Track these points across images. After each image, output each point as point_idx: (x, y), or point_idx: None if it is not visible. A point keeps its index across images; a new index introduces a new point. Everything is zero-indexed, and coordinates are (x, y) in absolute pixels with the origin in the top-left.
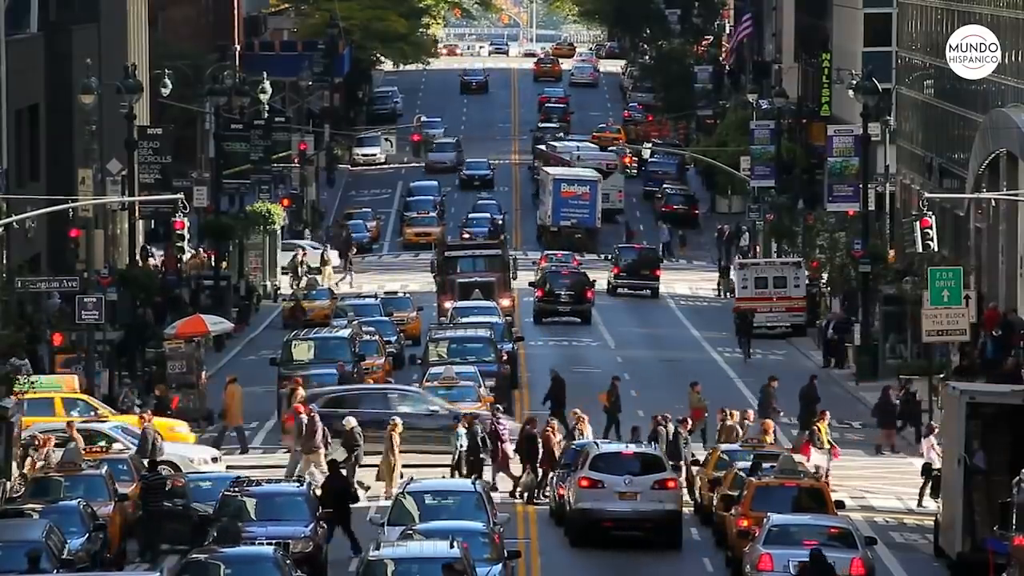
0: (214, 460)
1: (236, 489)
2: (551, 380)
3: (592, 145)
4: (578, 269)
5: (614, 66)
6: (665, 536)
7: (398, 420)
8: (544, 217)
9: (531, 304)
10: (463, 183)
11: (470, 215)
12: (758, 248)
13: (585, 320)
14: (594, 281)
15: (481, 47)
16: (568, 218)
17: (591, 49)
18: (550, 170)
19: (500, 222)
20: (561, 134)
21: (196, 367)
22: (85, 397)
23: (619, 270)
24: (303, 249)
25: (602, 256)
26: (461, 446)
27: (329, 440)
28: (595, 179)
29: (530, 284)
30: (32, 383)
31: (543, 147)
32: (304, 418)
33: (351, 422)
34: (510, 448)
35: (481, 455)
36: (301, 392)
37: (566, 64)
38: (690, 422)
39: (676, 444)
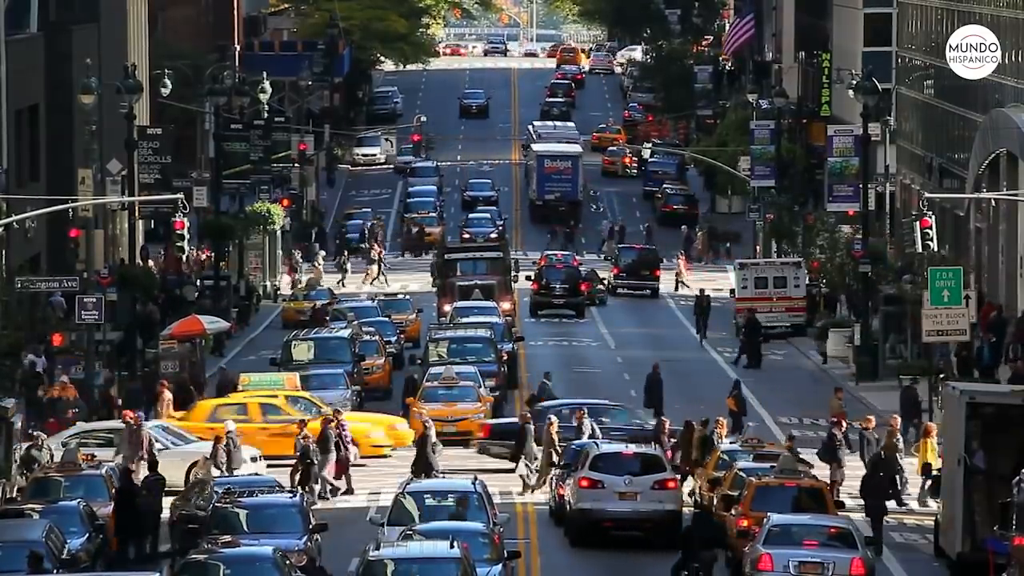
0: (253, 460)
1: (228, 500)
2: (647, 379)
3: (570, 125)
4: (576, 266)
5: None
6: (665, 536)
7: (554, 418)
8: (531, 192)
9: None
10: (465, 205)
11: (470, 216)
12: (696, 248)
13: (579, 313)
14: (603, 279)
15: (474, 47)
16: (552, 192)
17: (601, 44)
18: (536, 147)
19: (501, 225)
20: (566, 108)
21: (191, 367)
22: (307, 395)
23: (619, 270)
24: (377, 246)
25: (602, 256)
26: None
27: (153, 450)
28: (577, 154)
29: (526, 278)
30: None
31: (530, 127)
32: (133, 425)
33: (229, 425)
34: (353, 453)
35: (312, 461)
36: (168, 395)
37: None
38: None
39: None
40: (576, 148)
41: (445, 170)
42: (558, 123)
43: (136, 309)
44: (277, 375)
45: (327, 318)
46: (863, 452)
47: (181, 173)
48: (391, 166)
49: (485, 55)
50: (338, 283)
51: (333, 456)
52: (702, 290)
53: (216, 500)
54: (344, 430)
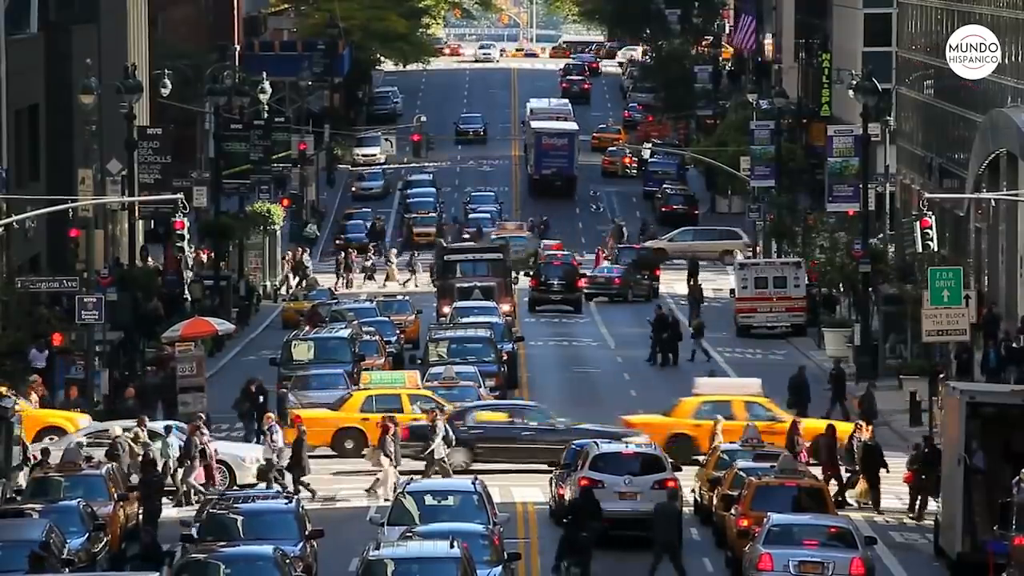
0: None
1: (223, 506)
2: (791, 380)
3: (564, 102)
4: (574, 264)
5: (614, 66)
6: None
7: (721, 417)
8: (529, 167)
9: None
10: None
11: (470, 215)
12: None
13: (576, 309)
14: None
15: (465, 47)
16: (549, 167)
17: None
18: (534, 124)
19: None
20: (587, 88)
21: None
22: (428, 392)
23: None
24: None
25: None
26: (170, 455)
27: (30, 458)
28: (573, 131)
29: (524, 274)
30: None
31: (527, 104)
32: None
33: (116, 430)
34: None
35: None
36: (35, 396)
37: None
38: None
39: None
40: (572, 125)
41: (445, 170)
42: (553, 100)
43: (139, 307)
44: (397, 373)
45: (325, 319)
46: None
47: (181, 173)
48: (395, 165)
49: (476, 62)
50: (405, 283)
51: (198, 462)
52: (694, 280)
53: (212, 506)
54: (206, 436)
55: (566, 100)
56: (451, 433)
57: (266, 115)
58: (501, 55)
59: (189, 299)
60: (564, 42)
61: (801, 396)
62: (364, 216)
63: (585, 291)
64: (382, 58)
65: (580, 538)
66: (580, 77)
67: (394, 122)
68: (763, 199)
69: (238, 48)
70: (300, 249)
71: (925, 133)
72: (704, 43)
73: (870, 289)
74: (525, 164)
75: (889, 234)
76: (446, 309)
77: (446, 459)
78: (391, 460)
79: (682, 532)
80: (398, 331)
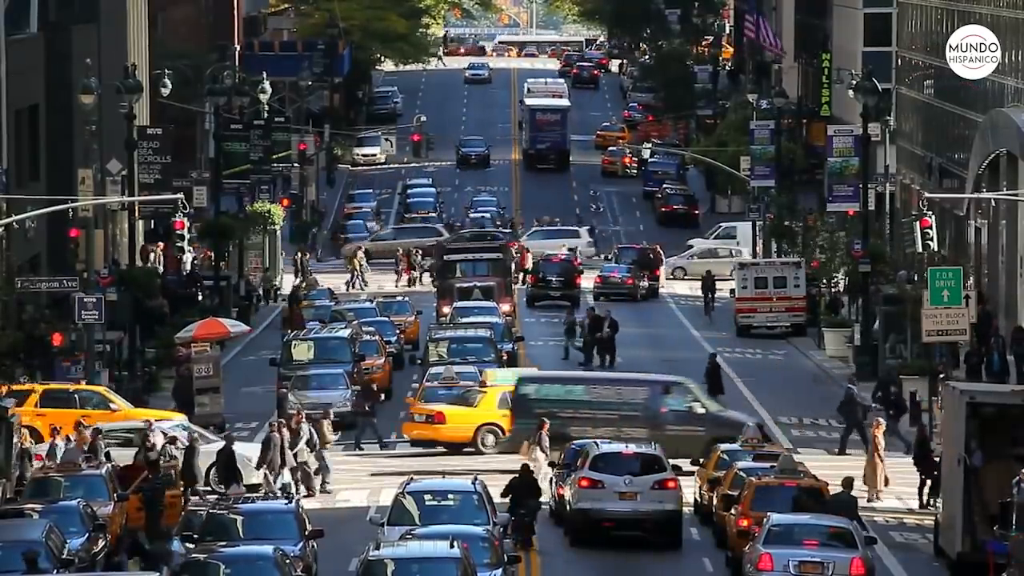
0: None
1: (223, 507)
2: (879, 385)
3: (560, 81)
4: (574, 263)
5: (614, 66)
6: (665, 536)
7: (882, 420)
8: (524, 142)
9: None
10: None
11: (470, 215)
12: None
13: (575, 305)
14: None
15: (451, 43)
16: (543, 141)
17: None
18: (528, 101)
19: (499, 224)
20: (597, 73)
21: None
22: None
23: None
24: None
25: (602, 256)
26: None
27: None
28: (565, 108)
29: (523, 271)
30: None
31: (525, 84)
32: None
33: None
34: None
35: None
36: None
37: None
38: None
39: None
40: (565, 102)
41: (445, 170)
42: (548, 80)
43: (142, 305)
44: (519, 370)
45: (324, 320)
46: None
47: (181, 173)
48: (395, 165)
49: (466, 83)
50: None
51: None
52: (709, 271)
53: (212, 506)
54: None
55: (561, 79)
56: (315, 436)
57: (266, 115)
58: (503, 55)
59: (201, 298)
60: (499, 42)
61: (714, 382)
62: (364, 216)
63: (597, 290)
64: (382, 58)
65: (520, 515)
66: (590, 64)
67: (394, 122)
68: (763, 199)
69: (238, 48)
70: (358, 245)
71: (925, 133)
72: (704, 43)
73: (872, 288)
74: (521, 140)
75: (888, 234)
76: (446, 309)
77: (308, 464)
78: (546, 455)
79: (681, 533)
80: (398, 331)
